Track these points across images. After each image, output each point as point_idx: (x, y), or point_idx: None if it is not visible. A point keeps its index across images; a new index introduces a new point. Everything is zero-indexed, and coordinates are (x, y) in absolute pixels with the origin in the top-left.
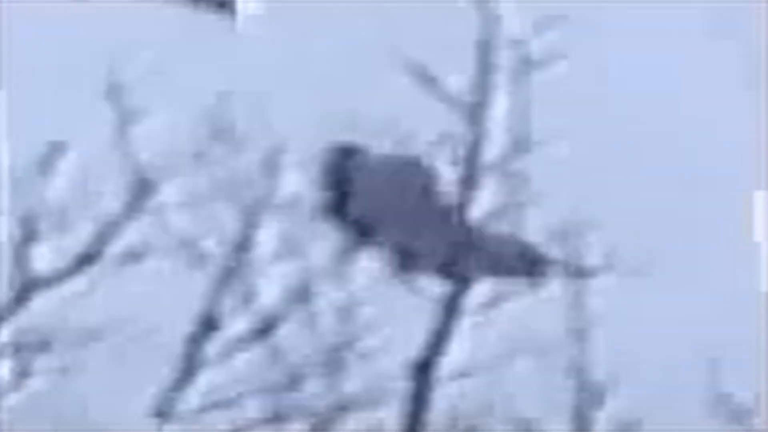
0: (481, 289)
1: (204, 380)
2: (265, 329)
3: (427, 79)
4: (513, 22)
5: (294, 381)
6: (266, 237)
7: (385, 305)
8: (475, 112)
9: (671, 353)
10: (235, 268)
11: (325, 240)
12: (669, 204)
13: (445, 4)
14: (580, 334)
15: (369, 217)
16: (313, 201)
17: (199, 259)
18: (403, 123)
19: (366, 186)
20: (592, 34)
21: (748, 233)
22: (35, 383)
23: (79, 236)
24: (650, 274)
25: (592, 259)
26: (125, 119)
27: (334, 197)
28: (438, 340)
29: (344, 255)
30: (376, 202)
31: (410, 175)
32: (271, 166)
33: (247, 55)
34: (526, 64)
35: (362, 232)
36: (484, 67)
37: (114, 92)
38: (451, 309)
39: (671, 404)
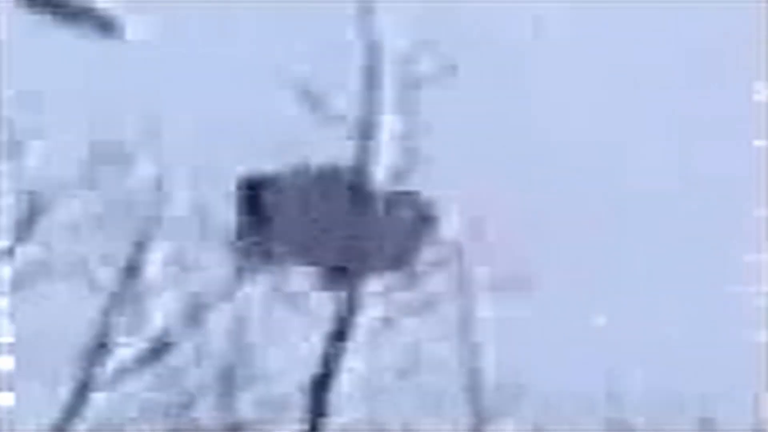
0: (373, 311)
1: (96, 403)
2: (157, 352)
3: (313, 99)
4: (399, 40)
5: (187, 403)
6: (157, 259)
7: (278, 326)
8: (365, 132)
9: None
10: (125, 291)
11: (217, 263)
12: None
13: (331, 22)
14: (472, 352)
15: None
16: (203, 222)
17: (90, 282)
18: (294, 143)
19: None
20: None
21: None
22: None
23: None
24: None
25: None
26: (12, 142)
27: (248, 224)
28: (331, 360)
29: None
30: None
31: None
32: (160, 187)
33: (135, 74)
34: (417, 82)
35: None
36: (371, 85)
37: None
38: (342, 330)
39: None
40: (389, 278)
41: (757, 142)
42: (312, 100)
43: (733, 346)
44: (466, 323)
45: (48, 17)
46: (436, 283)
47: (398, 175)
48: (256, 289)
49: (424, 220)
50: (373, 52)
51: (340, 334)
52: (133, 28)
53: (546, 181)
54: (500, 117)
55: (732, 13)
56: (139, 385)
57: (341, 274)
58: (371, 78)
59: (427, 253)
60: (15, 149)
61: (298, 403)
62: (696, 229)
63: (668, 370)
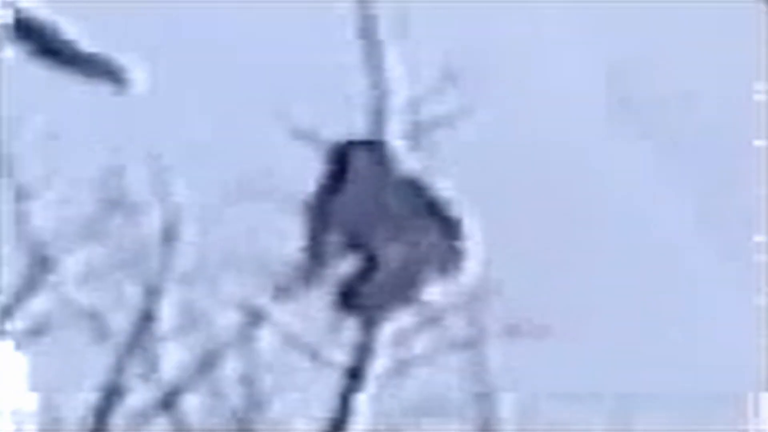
0: (383, 360)
1: None
2: (169, 400)
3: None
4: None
5: None
6: (168, 307)
7: (291, 372)
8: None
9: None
10: (137, 339)
11: (228, 309)
12: (581, 266)
13: (334, 67)
14: (485, 398)
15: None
16: (213, 269)
17: (101, 331)
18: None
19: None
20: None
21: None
22: None
23: None
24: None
25: (495, 323)
26: (20, 193)
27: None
28: (344, 406)
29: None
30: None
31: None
32: (169, 235)
33: (140, 121)
34: (425, 125)
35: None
36: (377, 130)
37: (6, 165)
38: (355, 377)
39: None
40: (404, 317)
41: (757, 142)
42: (320, 147)
43: (733, 344)
44: (481, 368)
45: (53, 66)
46: (453, 325)
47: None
48: (268, 335)
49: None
50: (382, 99)
51: (354, 379)
52: (139, 77)
53: (563, 227)
54: (519, 156)
55: (732, 13)
56: None
57: (356, 299)
58: (379, 124)
59: (446, 289)
60: (23, 198)
61: None
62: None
63: (668, 370)
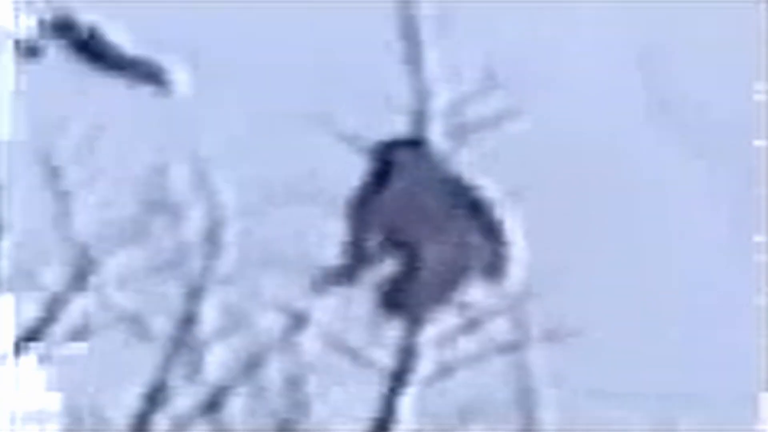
0: (426, 362)
1: None
2: (213, 402)
3: (363, 149)
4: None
5: None
6: (211, 310)
7: (334, 374)
8: None
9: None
10: (181, 342)
11: (270, 311)
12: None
13: (377, 69)
14: (528, 401)
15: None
16: (256, 272)
17: (144, 334)
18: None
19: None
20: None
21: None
22: None
23: (24, 315)
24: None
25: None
26: (63, 197)
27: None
28: (388, 410)
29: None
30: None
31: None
32: (212, 236)
33: (182, 124)
34: (464, 130)
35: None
36: (420, 131)
37: (50, 170)
38: (399, 379)
39: None
40: (447, 318)
41: (757, 142)
42: (362, 148)
43: (733, 345)
44: (524, 371)
45: (95, 67)
46: (495, 329)
47: None
48: (311, 337)
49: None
50: (424, 100)
51: (397, 381)
52: (181, 78)
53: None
54: (561, 157)
55: (732, 12)
56: None
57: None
58: (422, 125)
59: (489, 290)
60: (65, 200)
61: None
62: (696, 230)
63: (668, 370)
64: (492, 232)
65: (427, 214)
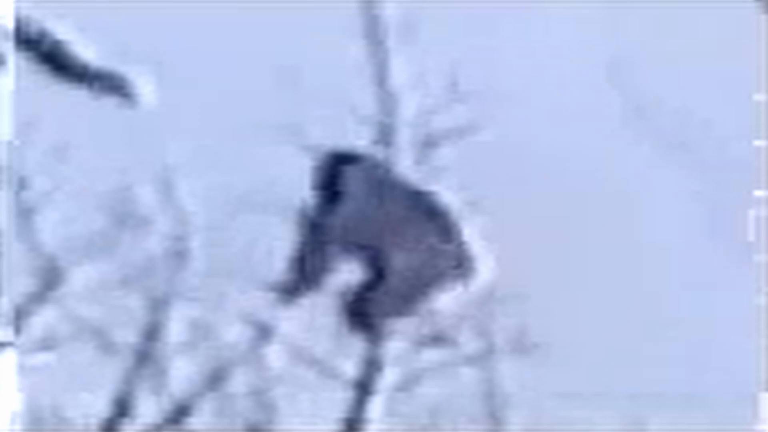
0: (392, 374)
1: None
2: (178, 415)
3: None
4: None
5: None
6: (176, 322)
7: (300, 386)
8: None
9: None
10: (146, 355)
11: (235, 323)
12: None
13: (343, 79)
14: (494, 416)
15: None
16: (219, 286)
17: (109, 347)
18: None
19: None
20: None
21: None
22: None
23: None
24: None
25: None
26: (27, 207)
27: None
28: (353, 419)
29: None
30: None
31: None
32: (178, 250)
33: (149, 135)
34: (431, 141)
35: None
36: (386, 144)
37: (14, 180)
38: (364, 390)
39: None
40: (412, 328)
41: (757, 142)
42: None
43: (733, 344)
44: (490, 385)
45: (59, 78)
46: (462, 338)
47: None
48: (276, 349)
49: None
50: (388, 108)
51: (363, 392)
52: (146, 89)
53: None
54: (530, 165)
55: (732, 13)
56: None
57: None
58: (387, 136)
59: (456, 298)
60: (29, 214)
61: None
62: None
63: (667, 370)
64: (455, 240)
65: (384, 224)
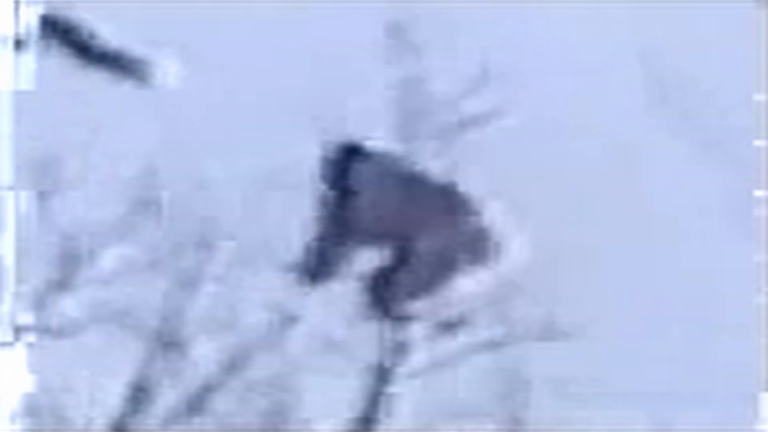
0: (417, 356)
1: None
2: (199, 399)
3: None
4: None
5: None
6: (200, 307)
7: (321, 371)
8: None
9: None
10: (168, 338)
11: (257, 310)
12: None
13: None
14: (511, 401)
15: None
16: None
17: (133, 330)
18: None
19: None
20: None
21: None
22: None
23: (11, 311)
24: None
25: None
26: (51, 192)
27: (336, 194)
28: (372, 406)
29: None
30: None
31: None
32: (203, 236)
33: (172, 120)
34: (458, 126)
35: (361, 236)
36: (410, 133)
37: (41, 166)
38: (383, 375)
39: None
40: (435, 314)
41: (757, 142)
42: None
43: (733, 344)
44: (513, 374)
45: (78, 62)
46: (484, 325)
47: None
48: (299, 334)
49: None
50: (412, 95)
51: (382, 379)
52: (171, 71)
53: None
54: (555, 152)
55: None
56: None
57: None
58: (409, 122)
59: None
60: (52, 198)
61: None
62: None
63: (668, 370)
64: (478, 225)
65: (400, 211)
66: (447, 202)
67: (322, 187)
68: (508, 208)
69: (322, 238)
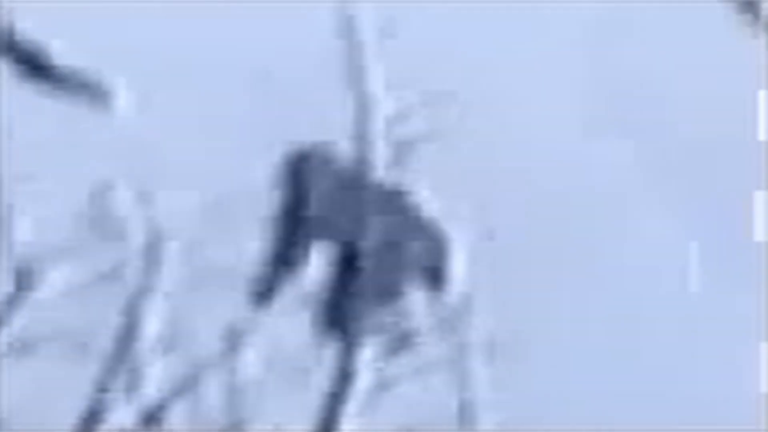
0: (366, 379)
1: None
2: (151, 417)
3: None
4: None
5: None
6: (151, 326)
7: (273, 391)
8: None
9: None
10: (119, 358)
11: (212, 326)
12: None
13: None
14: (467, 417)
15: (320, 218)
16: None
17: (83, 350)
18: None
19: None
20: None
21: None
22: None
23: None
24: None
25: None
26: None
27: (291, 199)
28: (327, 425)
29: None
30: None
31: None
32: (152, 254)
33: (124, 141)
34: (407, 143)
35: (313, 234)
36: (363, 148)
37: None
38: (338, 396)
39: None
40: (385, 333)
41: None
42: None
43: (733, 345)
44: (464, 387)
45: (35, 81)
46: (435, 343)
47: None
48: (250, 353)
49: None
50: (364, 111)
51: (336, 398)
52: (122, 98)
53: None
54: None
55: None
56: None
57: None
58: (362, 137)
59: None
60: (3, 221)
61: None
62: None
63: (667, 370)
64: (423, 235)
65: (351, 216)
66: (400, 211)
67: (277, 193)
68: (458, 226)
69: (273, 250)
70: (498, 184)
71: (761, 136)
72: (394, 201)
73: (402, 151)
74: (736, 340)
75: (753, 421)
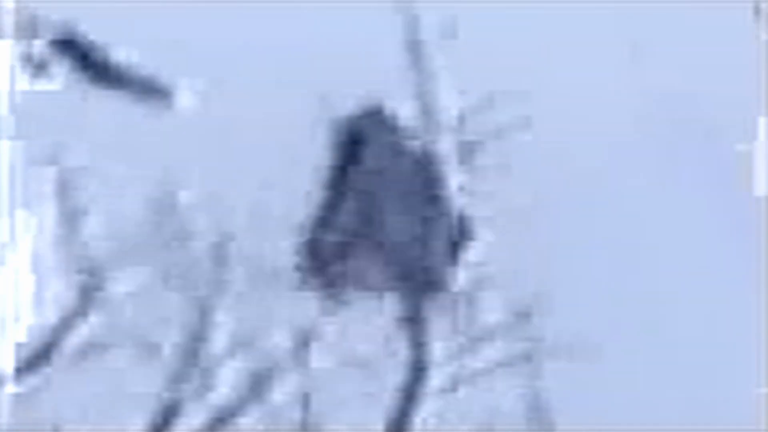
0: (440, 373)
1: None
2: (223, 420)
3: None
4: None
5: None
6: (221, 326)
7: (345, 389)
8: None
9: None
10: (190, 359)
11: (280, 328)
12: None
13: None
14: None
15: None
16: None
17: (153, 351)
18: None
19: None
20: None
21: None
22: None
23: (32, 334)
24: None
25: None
26: (71, 214)
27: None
28: (399, 424)
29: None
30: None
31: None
32: (220, 254)
33: (187, 139)
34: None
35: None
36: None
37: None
38: (410, 394)
39: None
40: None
41: (757, 143)
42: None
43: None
44: (535, 386)
45: (99, 83)
46: (505, 346)
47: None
48: (320, 353)
49: None
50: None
51: (408, 397)
52: (186, 94)
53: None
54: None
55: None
56: None
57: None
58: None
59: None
60: (72, 220)
61: None
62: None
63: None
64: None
65: (395, 188)
66: (430, 182)
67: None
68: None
69: (316, 234)
70: (565, 185)
71: None
72: (425, 169)
73: (468, 148)
74: (736, 340)
75: (753, 421)
